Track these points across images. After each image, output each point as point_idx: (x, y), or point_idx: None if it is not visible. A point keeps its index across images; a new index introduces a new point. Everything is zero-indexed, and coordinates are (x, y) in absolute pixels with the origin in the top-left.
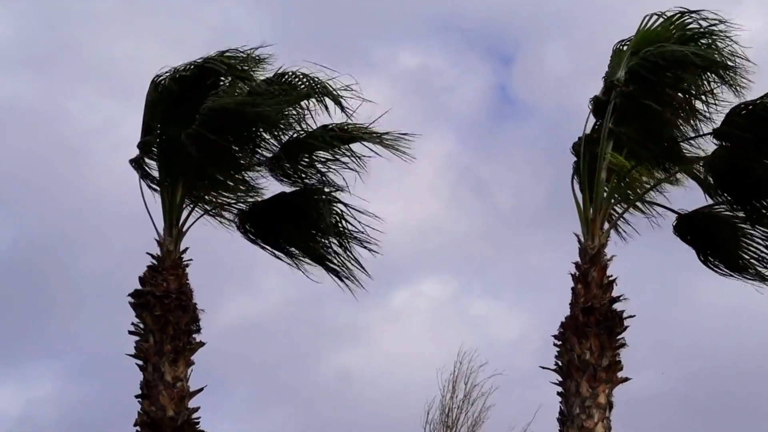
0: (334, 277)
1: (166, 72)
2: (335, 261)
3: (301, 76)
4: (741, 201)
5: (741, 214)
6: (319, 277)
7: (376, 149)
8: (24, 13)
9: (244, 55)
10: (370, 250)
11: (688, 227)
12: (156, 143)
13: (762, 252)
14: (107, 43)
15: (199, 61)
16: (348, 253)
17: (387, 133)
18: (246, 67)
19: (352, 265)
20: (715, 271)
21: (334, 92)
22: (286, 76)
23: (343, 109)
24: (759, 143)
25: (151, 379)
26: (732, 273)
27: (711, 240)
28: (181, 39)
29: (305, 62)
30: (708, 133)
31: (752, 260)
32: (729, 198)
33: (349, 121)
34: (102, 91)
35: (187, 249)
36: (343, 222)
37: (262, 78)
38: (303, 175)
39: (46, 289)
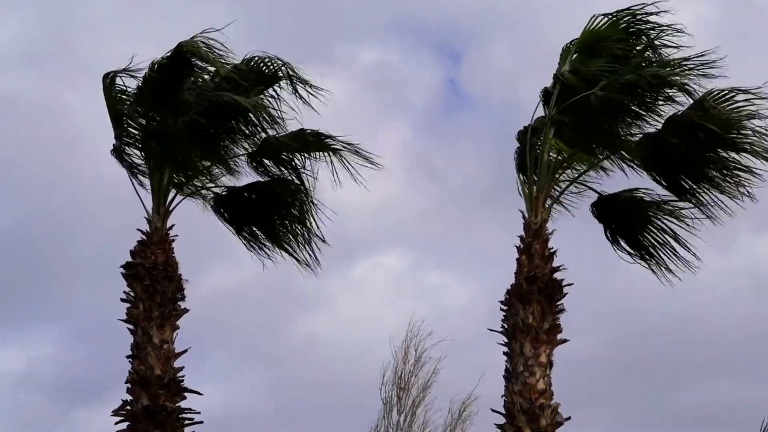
0: (295, 261)
1: (116, 71)
2: (299, 249)
3: (267, 61)
4: (670, 183)
5: (656, 198)
6: (272, 260)
7: (344, 156)
8: (29, 16)
9: (210, 42)
10: (324, 241)
11: (604, 207)
12: (139, 133)
13: (662, 241)
14: (104, 43)
15: (168, 54)
16: (309, 242)
17: (353, 145)
18: (212, 54)
19: (313, 253)
20: (617, 248)
21: (301, 75)
22: (254, 61)
23: (311, 86)
24: (691, 146)
25: (141, 342)
26: (631, 252)
27: (620, 221)
28: (170, 40)
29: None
30: (642, 133)
31: (651, 246)
32: (659, 179)
33: (320, 129)
34: (98, 87)
35: (173, 226)
36: (310, 214)
37: (234, 63)
38: (276, 169)
39: (47, 262)
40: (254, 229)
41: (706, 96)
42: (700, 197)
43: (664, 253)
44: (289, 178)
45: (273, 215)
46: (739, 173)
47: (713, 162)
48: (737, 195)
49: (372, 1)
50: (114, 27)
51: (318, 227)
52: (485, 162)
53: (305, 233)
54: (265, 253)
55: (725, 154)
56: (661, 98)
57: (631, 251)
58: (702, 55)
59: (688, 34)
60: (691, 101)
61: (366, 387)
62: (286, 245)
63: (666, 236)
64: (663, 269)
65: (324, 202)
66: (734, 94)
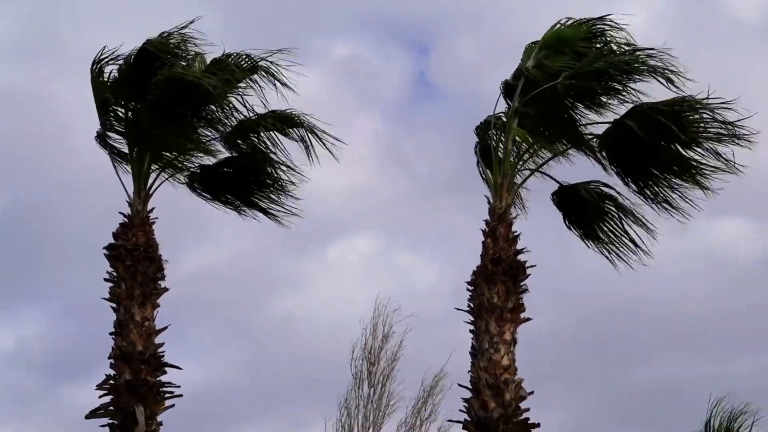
0: (271, 220)
1: (110, 56)
2: (269, 205)
3: (244, 57)
4: (629, 174)
5: (614, 191)
6: (264, 232)
7: (312, 137)
8: (19, 12)
9: (180, 38)
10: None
11: (564, 197)
12: (121, 119)
13: (618, 232)
14: (89, 37)
15: (135, 50)
16: (283, 202)
17: (319, 128)
18: (181, 49)
19: (287, 212)
20: (575, 233)
21: (275, 67)
22: (232, 57)
23: (283, 84)
24: (650, 137)
25: (123, 319)
26: (585, 241)
27: (578, 212)
28: (153, 34)
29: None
30: (608, 122)
31: (606, 236)
32: (619, 171)
33: (291, 108)
34: (84, 78)
35: (153, 209)
36: (277, 172)
37: (211, 58)
38: (251, 148)
39: (35, 243)
40: (231, 197)
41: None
42: (658, 188)
43: (619, 243)
44: (264, 150)
45: (250, 185)
46: (697, 164)
47: (671, 153)
48: (695, 184)
49: None
50: (99, 22)
51: (292, 188)
52: (452, 150)
53: (281, 195)
54: (243, 216)
55: (684, 150)
56: (629, 84)
57: (588, 240)
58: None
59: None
60: (660, 83)
61: (338, 362)
62: (261, 206)
63: (621, 228)
64: (617, 257)
65: (299, 184)
66: (701, 107)
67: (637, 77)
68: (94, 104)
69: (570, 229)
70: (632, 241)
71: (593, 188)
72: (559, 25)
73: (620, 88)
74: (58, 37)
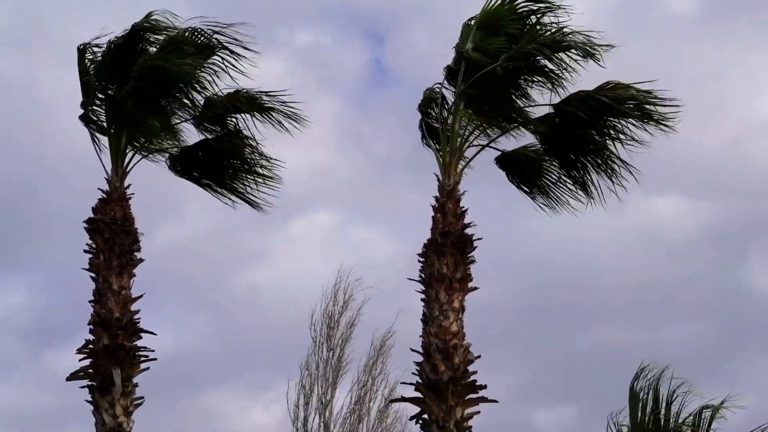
0: (243, 202)
1: (96, 41)
2: (245, 190)
3: (210, 32)
4: (563, 153)
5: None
6: (233, 208)
7: (278, 115)
8: (5, 4)
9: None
10: (271, 178)
11: (506, 160)
12: (102, 101)
13: (553, 180)
14: (72, 28)
15: (131, 29)
16: (255, 183)
17: (284, 103)
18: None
19: (258, 192)
20: (520, 189)
21: (241, 43)
22: (197, 32)
23: (247, 50)
24: (582, 119)
25: (102, 288)
26: (523, 187)
27: (520, 170)
28: (129, 22)
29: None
30: (546, 104)
31: (545, 187)
32: (555, 150)
33: (258, 87)
34: (67, 66)
35: (129, 185)
36: (253, 158)
37: (180, 31)
38: (221, 127)
39: (20, 219)
40: (207, 180)
41: (605, 85)
42: (593, 168)
43: (557, 192)
44: (235, 131)
45: (224, 167)
46: (631, 143)
47: (606, 134)
48: (629, 163)
49: None
50: (81, 13)
51: (266, 172)
52: (406, 132)
53: (254, 178)
54: (221, 199)
55: (618, 127)
56: (560, 65)
57: (526, 186)
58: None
59: (574, 13)
60: (589, 62)
61: (299, 329)
62: (238, 191)
63: (558, 178)
64: (559, 208)
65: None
66: (630, 89)
67: (566, 55)
68: (79, 86)
69: (512, 183)
70: (570, 189)
71: (532, 149)
72: (490, 4)
73: (553, 67)
74: (42, 26)
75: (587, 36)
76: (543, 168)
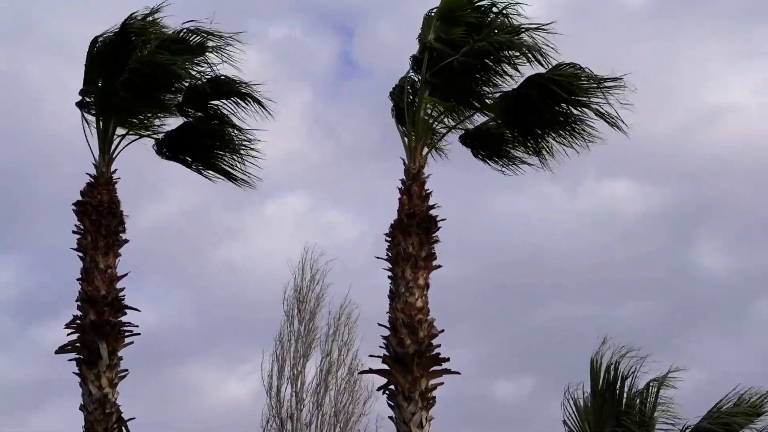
0: (226, 179)
1: (101, 36)
2: (228, 168)
3: (197, 31)
4: (522, 133)
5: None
6: (209, 191)
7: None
8: None
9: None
10: (252, 156)
11: (469, 137)
12: (94, 91)
13: (512, 152)
14: (61, 21)
15: (123, 24)
16: (237, 161)
17: (255, 88)
18: (151, 28)
19: (240, 170)
20: (484, 162)
21: (223, 43)
22: (184, 32)
23: (228, 56)
24: (540, 101)
25: (89, 267)
26: (486, 160)
27: (482, 143)
28: (117, 18)
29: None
30: (503, 91)
31: (507, 157)
32: (515, 133)
33: (235, 74)
34: (56, 57)
35: (116, 170)
36: (233, 137)
37: (171, 32)
38: (203, 112)
39: (11, 202)
40: (192, 160)
41: (557, 66)
42: (549, 148)
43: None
44: (215, 113)
45: (207, 147)
46: (584, 127)
47: (562, 116)
48: (583, 145)
49: None
50: (69, 8)
51: (247, 151)
52: (373, 120)
53: (238, 157)
54: (207, 177)
55: (573, 110)
56: (510, 60)
57: (486, 161)
58: (542, 27)
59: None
60: (535, 61)
61: (273, 304)
62: (222, 168)
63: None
64: (518, 171)
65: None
66: (580, 70)
67: (517, 53)
68: (84, 75)
69: (477, 157)
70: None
71: (489, 127)
72: None
73: (503, 63)
74: (31, 21)
75: (540, 32)
76: (505, 140)
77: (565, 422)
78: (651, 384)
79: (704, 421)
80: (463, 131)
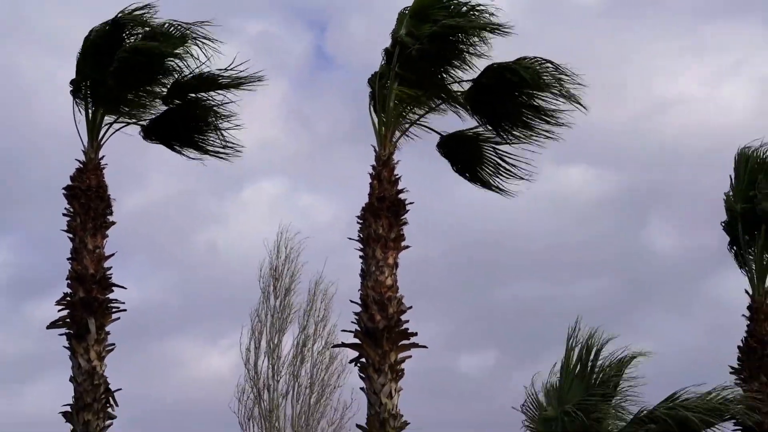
0: (210, 156)
1: (93, 30)
2: (211, 146)
3: (178, 26)
4: (490, 122)
5: (485, 134)
6: (190, 176)
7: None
8: None
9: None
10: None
11: (447, 145)
12: (84, 81)
13: (494, 166)
14: (52, 16)
15: (114, 19)
16: (220, 141)
17: (239, 79)
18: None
19: (223, 151)
20: (463, 177)
21: (203, 37)
22: (166, 25)
23: (209, 48)
24: (502, 89)
25: (78, 247)
26: (471, 182)
27: (461, 156)
28: (111, 13)
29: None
30: (470, 80)
31: (486, 173)
32: (483, 119)
33: (217, 67)
34: (47, 51)
35: (103, 156)
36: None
37: (155, 24)
38: (190, 102)
39: (6, 187)
40: (176, 143)
41: (520, 59)
42: (513, 132)
43: (497, 178)
44: (197, 100)
45: (191, 129)
46: (544, 114)
47: (523, 104)
48: (542, 132)
49: None
50: (60, 5)
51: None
52: (346, 110)
53: (219, 136)
54: (192, 158)
55: (534, 100)
56: (466, 45)
57: (472, 180)
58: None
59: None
60: (485, 47)
61: (251, 282)
62: (206, 149)
63: (496, 166)
64: (497, 190)
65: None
66: (542, 61)
67: (471, 34)
68: (76, 66)
69: (457, 172)
70: (506, 172)
71: (466, 134)
72: None
73: (463, 47)
74: (23, 16)
75: (488, 17)
76: (482, 151)
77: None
78: (623, 360)
79: (661, 407)
80: (440, 136)
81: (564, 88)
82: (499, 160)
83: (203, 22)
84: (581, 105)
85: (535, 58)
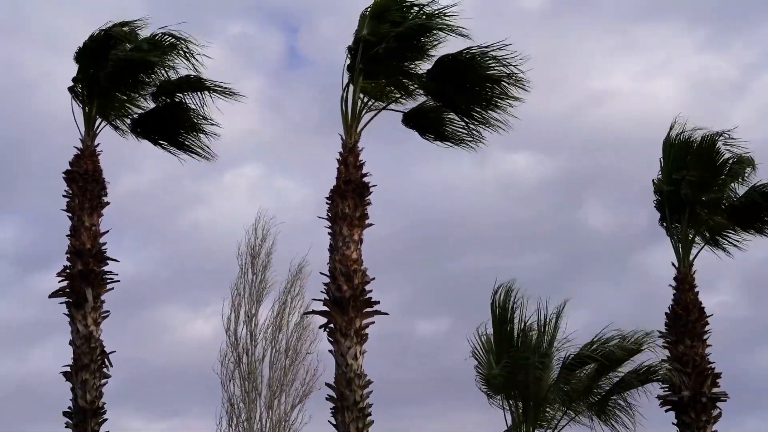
0: (190, 153)
1: (89, 37)
2: (191, 144)
3: (167, 36)
4: (447, 104)
5: (443, 108)
6: (177, 162)
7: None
8: None
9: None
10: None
11: (411, 118)
12: (82, 80)
13: (453, 128)
14: (52, 17)
15: (104, 29)
16: (196, 140)
17: (221, 84)
18: (128, 31)
19: (199, 147)
20: (429, 141)
21: (187, 45)
22: (158, 36)
23: (193, 56)
24: (456, 77)
25: (76, 225)
26: (438, 141)
27: (424, 123)
28: (102, 17)
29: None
30: (424, 71)
31: (447, 132)
32: (440, 105)
33: (200, 72)
34: (48, 49)
35: (98, 144)
36: (196, 120)
37: (146, 36)
38: (173, 102)
39: (11, 172)
40: (160, 139)
41: (464, 50)
42: (469, 113)
43: (456, 139)
44: (182, 102)
45: (174, 127)
46: (496, 102)
47: (475, 94)
48: (494, 119)
49: None
50: (58, 7)
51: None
52: (316, 103)
53: (199, 135)
54: (173, 155)
55: (484, 78)
56: (427, 42)
57: (435, 140)
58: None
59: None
60: (451, 39)
61: (232, 257)
62: (185, 146)
63: (456, 125)
64: (462, 145)
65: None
66: (490, 49)
67: (431, 33)
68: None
69: (423, 137)
70: (469, 132)
71: (428, 107)
72: None
73: (422, 45)
74: (25, 17)
75: (446, 18)
76: (442, 121)
77: (474, 354)
78: (547, 318)
79: (585, 350)
80: (403, 114)
81: (507, 69)
82: (458, 121)
83: (192, 39)
84: (523, 84)
85: (479, 46)
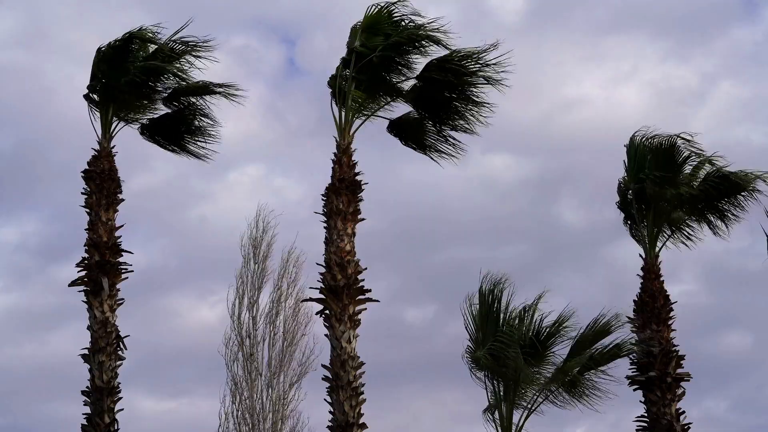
0: (193, 156)
1: (104, 45)
2: (195, 147)
3: (179, 44)
4: (429, 112)
5: (426, 116)
6: (185, 163)
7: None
8: (17, 13)
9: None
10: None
11: (395, 126)
12: (98, 86)
13: (433, 139)
14: (69, 29)
15: (125, 36)
16: (200, 143)
17: (228, 86)
18: (148, 37)
19: (201, 149)
20: (411, 148)
21: (199, 53)
22: (170, 42)
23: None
24: (442, 83)
25: (94, 220)
26: (418, 150)
27: (406, 131)
28: (114, 30)
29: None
30: (414, 77)
31: (428, 143)
32: (424, 113)
33: (207, 78)
34: (64, 58)
35: (114, 146)
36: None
37: (162, 43)
38: (182, 107)
39: (34, 171)
40: (166, 142)
41: (451, 54)
42: (449, 121)
43: (439, 148)
44: (188, 106)
45: (180, 132)
46: (475, 106)
47: (459, 97)
48: (475, 122)
49: (239, 4)
50: (75, 20)
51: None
52: (312, 109)
53: (204, 139)
54: (177, 155)
55: (464, 90)
56: (416, 52)
57: (416, 149)
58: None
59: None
60: (435, 44)
61: (234, 249)
62: (189, 149)
63: (436, 139)
64: (440, 155)
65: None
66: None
67: (419, 44)
68: (91, 73)
69: (405, 145)
70: (449, 143)
71: (410, 117)
72: (371, 10)
73: (411, 54)
74: (46, 30)
75: (432, 30)
76: (424, 131)
77: (466, 327)
78: (526, 307)
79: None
80: (389, 121)
81: (485, 73)
82: (438, 135)
83: (199, 43)
84: (501, 84)
85: (464, 49)
